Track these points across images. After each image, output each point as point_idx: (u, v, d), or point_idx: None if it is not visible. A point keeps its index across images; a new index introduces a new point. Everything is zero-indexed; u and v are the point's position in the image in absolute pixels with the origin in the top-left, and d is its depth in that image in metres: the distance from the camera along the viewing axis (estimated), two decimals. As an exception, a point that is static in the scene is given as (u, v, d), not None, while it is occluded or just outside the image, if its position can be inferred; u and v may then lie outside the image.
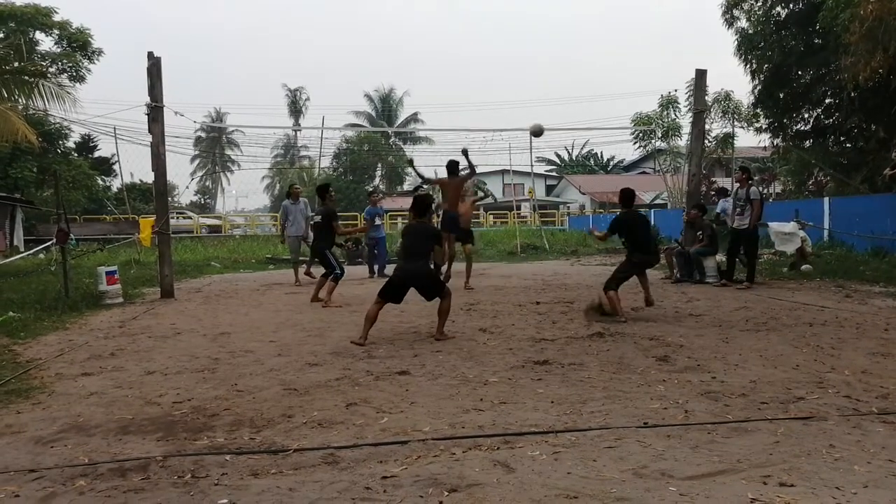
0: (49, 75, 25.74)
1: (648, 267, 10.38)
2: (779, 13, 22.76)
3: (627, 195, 10.22)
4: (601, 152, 71.98)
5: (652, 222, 29.88)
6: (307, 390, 5.97)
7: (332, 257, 12.33)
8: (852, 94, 20.68)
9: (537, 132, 14.90)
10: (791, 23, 22.28)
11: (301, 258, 17.02)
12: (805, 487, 3.63)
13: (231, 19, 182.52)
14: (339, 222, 12.68)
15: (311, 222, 13.65)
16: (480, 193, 29.62)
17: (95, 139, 47.69)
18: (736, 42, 23.33)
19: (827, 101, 23.67)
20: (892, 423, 4.75)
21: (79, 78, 32.52)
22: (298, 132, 71.42)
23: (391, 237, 29.38)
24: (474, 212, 20.78)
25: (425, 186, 14.51)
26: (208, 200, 77.18)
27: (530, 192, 43.21)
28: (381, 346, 7.97)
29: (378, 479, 3.88)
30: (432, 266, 9.16)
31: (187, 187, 67.74)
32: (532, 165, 32.41)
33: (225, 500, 3.69)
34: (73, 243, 15.87)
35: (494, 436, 4.62)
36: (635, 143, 37.95)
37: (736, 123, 33.02)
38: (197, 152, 72.46)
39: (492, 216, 50.85)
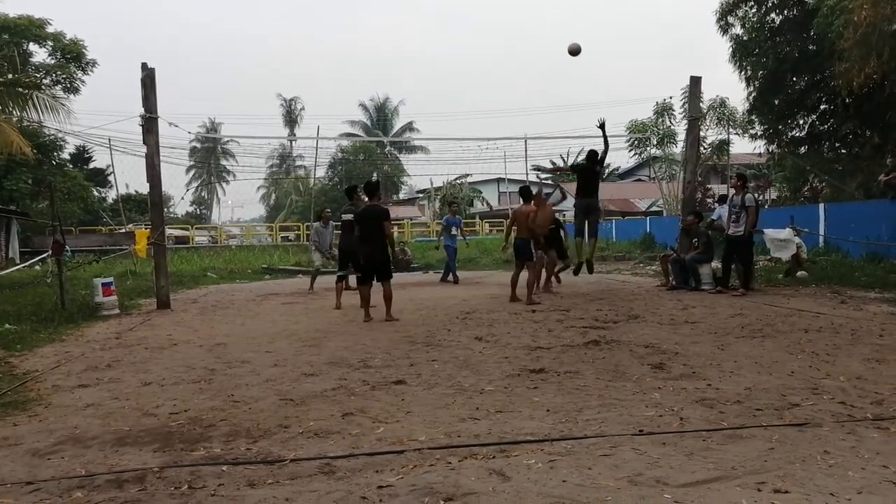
0: (43, 87, 25.67)
1: (588, 209, 13.94)
2: (773, 20, 22.81)
3: (591, 154, 14.16)
4: (597, 160, 71.98)
5: (647, 230, 30.07)
6: (303, 400, 5.98)
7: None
8: (847, 101, 20.73)
9: (575, 51, 14.57)
10: (785, 29, 22.34)
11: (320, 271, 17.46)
12: (799, 494, 3.64)
13: (225, 29, 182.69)
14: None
15: (341, 222, 13.82)
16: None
17: (90, 150, 47.61)
18: (731, 49, 23.38)
19: (822, 107, 23.71)
20: (887, 429, 4.77)
21: (73, 89, 32.47)
22: (294, 142, 71.34)
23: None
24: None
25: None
26: (204, 211, 77.10)
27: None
28: (376, 355, 7.97)
29: (374, 489, 3.88)
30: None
31: (182, 198, 67.78)
32: (527, 173, 32.38)
33: (221, 511, 3.69)
34: (69, 255, 15.83)
35: (490, 444, 4.62)
36: (631, 150, 37.96)
37: (731, 130, 33.07)
38: (192, 163, 72.40)
39: (487, 224, 50.84)
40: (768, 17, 22.85)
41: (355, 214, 11.15)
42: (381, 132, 66.21)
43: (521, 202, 13.39)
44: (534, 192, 14.05)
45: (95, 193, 42.73)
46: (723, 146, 33.94)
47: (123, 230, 35.19)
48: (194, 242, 42.30)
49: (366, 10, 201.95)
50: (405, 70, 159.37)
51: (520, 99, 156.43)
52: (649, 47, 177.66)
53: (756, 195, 16.22)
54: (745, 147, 36.55)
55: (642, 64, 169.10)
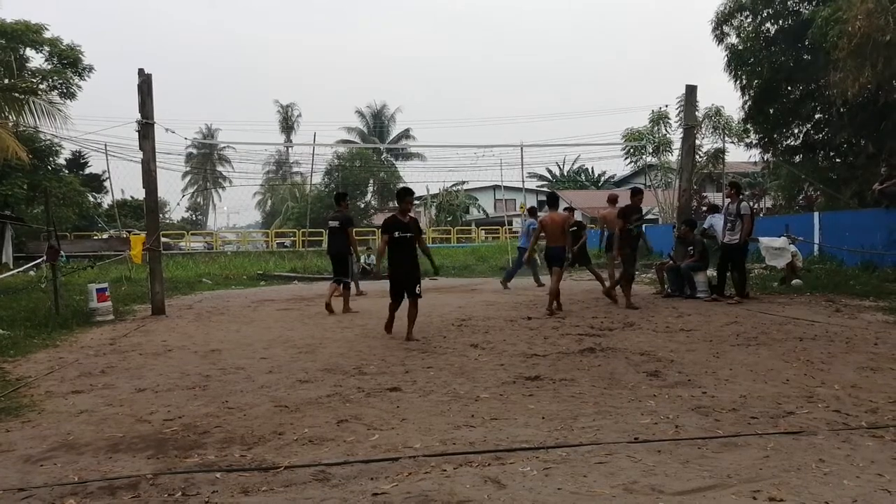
0: (40, 92, 25.70)
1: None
2: (768, 29, 22.88)
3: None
4: (592, 168, 72.10)
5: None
6: (298, 407, 5.97)
7: (351, 265, 13.01)
8: (841, 110, 20.82)
9: None
10: (781, 39, 22.41)
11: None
12: (794, 502, 3.65)
13: (223, 34, 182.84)
14: (353, 230, 13.50)
15: (328, 228, 13.93)
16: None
17: (86, 156, 47.60)
18: (726, 58, 23.43)
19: (816, 116, 23.77)
20: (882, 437, 4.78)
21: (69, 95, 32.46)
22: (290, 148, 71.33)
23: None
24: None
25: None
26: (200, 217, 77.05)
27: (522, 208, 43.28)
28: (372, 362, 7.97)
29: (369, 497, 3.88)
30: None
31: (178, 204, 67.70)
32: (523, 181, 32.32)
33: (215, 518, 3.68)
34: (64, 260, 15.77)
35: (485, 452, 4.62)
36: (626, 158, 38.00)
37: (726, 139, 33.12)
38: (188, 169, 72.35)
39: (483, 231, 50.89)
40: (763, 27, 22.92)
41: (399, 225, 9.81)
42: (378, 139, 66.28)
43: (549, 209, 13.17)
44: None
45: (91, 199, 42.67)
46: (718, 155, 33.98)
47: (105, 237, 35.24)
48: (190, 248, 42.21)
49: (364, 15, 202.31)
50: (403, 78, 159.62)
51: (517, 106, 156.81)
52: (648, 49, 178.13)
53: (751, 203, 16.24)
54: (741, 156, 36.65)
55: (641, 65, 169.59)
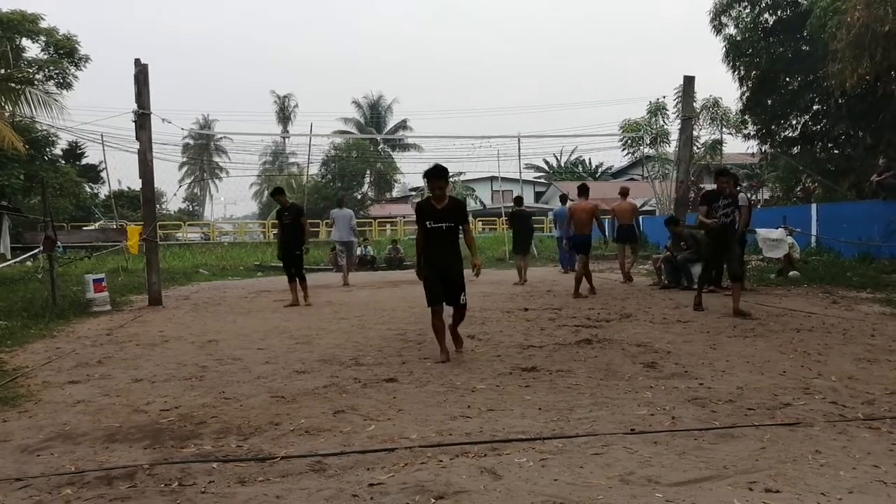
0: (36, 82, 25.63)
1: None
2: (766, 20, 22.88)
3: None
4: (589, 159, 71.93)
5: (641, 229, 30.00)
6: (294, 398, 5.96)
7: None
8: (839, 101, 20.85)
9: None
10: (779, 30, 22.41)
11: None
12: (791, 493, 3.65)
13: (221, 26, 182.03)
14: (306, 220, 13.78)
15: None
16: None
17: (83, 146, 47.25)
18: (724, 49, 23.44)
19: (814, 107, 23.81)
20: (878, 428, 4.78)
21: (66, 85, 32.30)
22: (287, 139, 71.16)
23: (380, 243, 29.46)
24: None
25: None
26: (196, 207, 76.88)
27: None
28: (368, 353, 7.96)
29: (365, 487, 3.88)
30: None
31: (175, 194, 67.57)
32: (521, 172, 32.29)
33: (211, 509, 3.68)
34: (61, 251, 15.75)
35: (482, 443, 4.62)
36: (624, 149, 37.96)
37: (724, 130, 33.12)
38: (185, 159, 72.15)
39: (480, 223, 50.84)
40: (762, 18, 22.93)
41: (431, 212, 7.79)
42: (375, 130, 66.10)
43: (578, 197, 13.80)
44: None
45: (88, 189, 42.53)
46: (716, 146, 33.98)
47: (94, 227, 35.20)
48: (187, 238, 42.12)
49: (364, 15, 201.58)
50: (400, 68, 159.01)
51: (514, 97, 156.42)
52: (643, 45, 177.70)
53: (749, 195, 16.24)
54: (738, 147, 36.55)
55: (638, 58, 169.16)
